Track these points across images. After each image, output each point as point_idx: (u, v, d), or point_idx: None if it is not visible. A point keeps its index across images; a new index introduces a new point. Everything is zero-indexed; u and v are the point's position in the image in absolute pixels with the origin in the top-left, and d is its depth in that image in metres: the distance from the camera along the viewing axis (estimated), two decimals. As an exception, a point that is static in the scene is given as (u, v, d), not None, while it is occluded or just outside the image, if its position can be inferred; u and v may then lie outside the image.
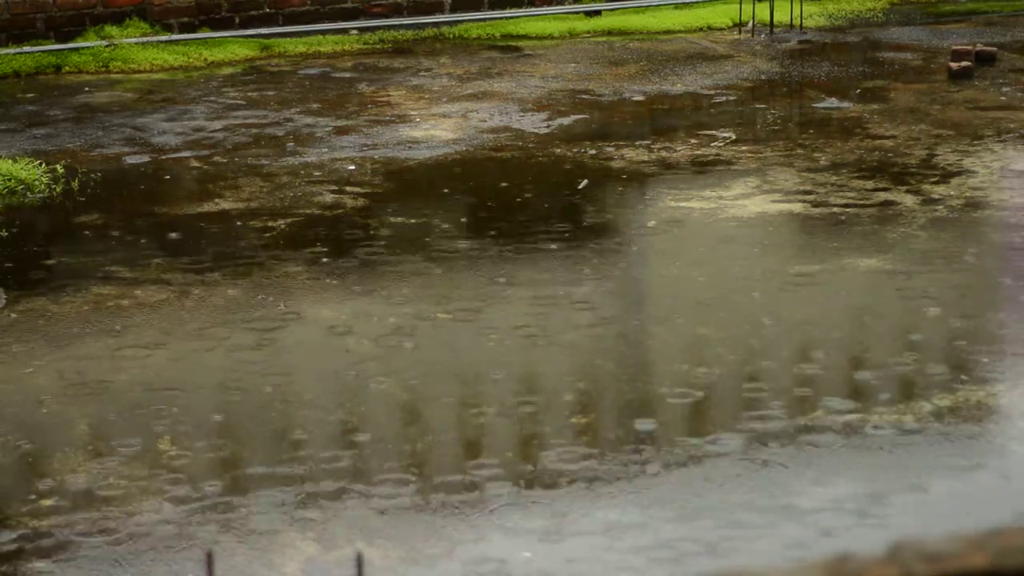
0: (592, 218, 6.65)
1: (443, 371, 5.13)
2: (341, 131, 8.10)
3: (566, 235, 6.40)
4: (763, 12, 10.43)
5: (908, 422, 4.67)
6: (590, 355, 5.22)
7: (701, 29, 10.50)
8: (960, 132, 7.80)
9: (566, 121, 8.21)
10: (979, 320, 5.44)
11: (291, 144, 7.87)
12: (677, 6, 10.98)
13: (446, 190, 7.14)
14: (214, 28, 10.30)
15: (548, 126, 8.11)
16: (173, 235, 6.58)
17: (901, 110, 8.27)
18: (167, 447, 4.64)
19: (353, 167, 7.45)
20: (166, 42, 10.00)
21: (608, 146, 7.69)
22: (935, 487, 4.30)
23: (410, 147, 7.77)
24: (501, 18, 10.64)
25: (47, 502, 4.34)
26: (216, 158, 7.67)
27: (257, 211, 6.81)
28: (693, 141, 7.75)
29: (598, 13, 10.78)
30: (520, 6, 10.82)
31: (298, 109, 8.57)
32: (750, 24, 10.39)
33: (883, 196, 6.81)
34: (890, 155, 7.43)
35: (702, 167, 7.31)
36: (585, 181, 7.14)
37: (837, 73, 9.17)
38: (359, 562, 2.24)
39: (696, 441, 4.58)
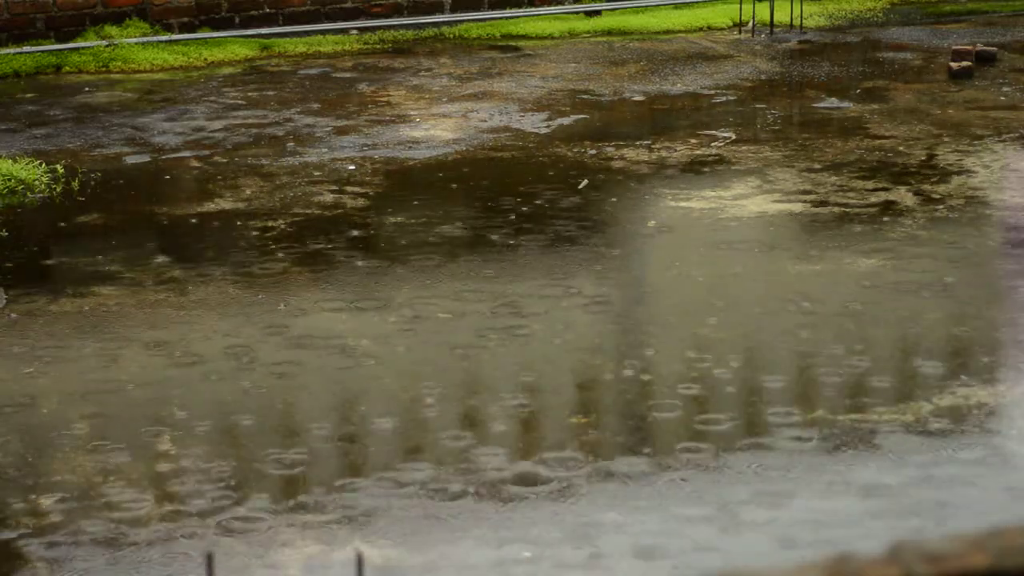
0: (592, 218, 6.65)
1: (443, 370, 5.13)
2: (341, 131, 8.09)
3: (566, 235, 6.40)
4: (763, 12, 10.43)
5: (908, 421, 4.67)
6: (590, 355, 5.22)
7: (701, 29, 10.49)
8: (960, 132, 7.80)
9: (566, 121, 8.21)
10: (979, 320, 5.44)
11: (291, 144, 7.87)
12: (677, 6, 10.98)
13: (446, 190, 7.14)
14: (214, 28, 10.30)
15: (548, 126, 8.11)
16: (173, 235, 6.58)
17: (901, 110, 8.27)
18: (167, 446, 4.64)
19: (353, 167, 7.45)
20: (166, 42, 10.00)
21: (608, 146, 7.69)
22: (935, 486, 4.30)
23: (410, 147, 7.77)
24: (501, 18, 10.64)
25: (47, 502, 4.34)
26: (216, 158, 7.67)
27: (257, 211, 6.81)
28: (693, 141, 7.75)
29: (598, 13, 10.78)
30: (520, 6, 10.82)
31: (298, 109, 8.57)
32: (750, 24, 10.38)
33: (883, 196, 6.81)
34: (890, 155, 7.43)
35: (702, 167, 7.31)
36: (585, 181, 7.14)
37: (837, 73, 9.17)
38: (359, 562, 2.24)
39: (696, 441, 4.58)
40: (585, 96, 8.74)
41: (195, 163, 7.60)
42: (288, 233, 6.51)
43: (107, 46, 9.82)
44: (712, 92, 8.76)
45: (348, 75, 9.39)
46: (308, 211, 6.80)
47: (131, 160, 7.70)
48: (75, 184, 7.23)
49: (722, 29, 10.46)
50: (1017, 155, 7.42)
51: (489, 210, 6.81)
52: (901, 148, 7.54)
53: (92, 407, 4.92)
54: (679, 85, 8.95)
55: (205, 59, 9.84)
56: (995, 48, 9.45)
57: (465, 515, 4.22)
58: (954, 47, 9.30)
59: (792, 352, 5.20)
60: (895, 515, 4.16)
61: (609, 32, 10.47)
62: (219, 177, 7.35)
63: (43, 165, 7.41)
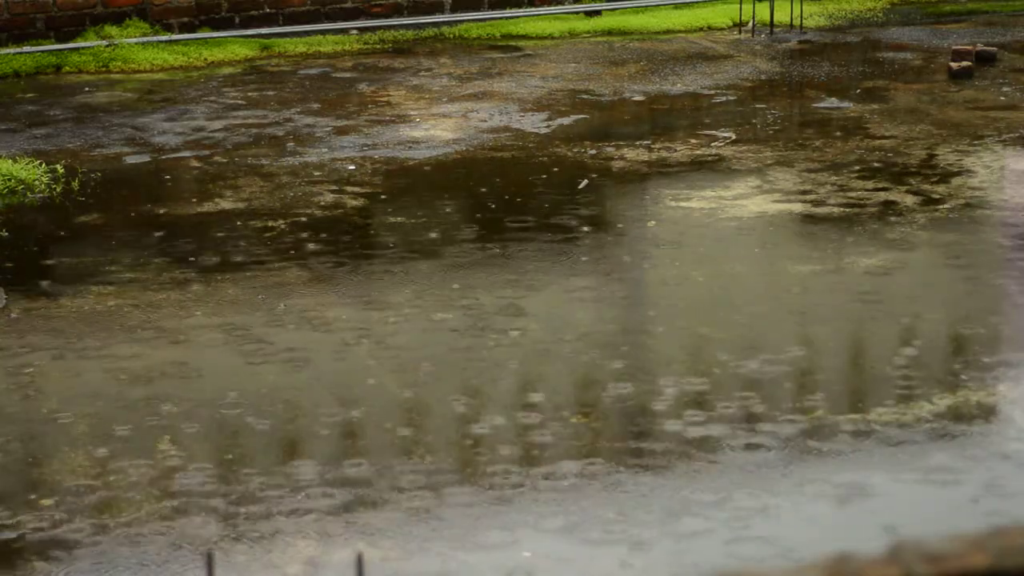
0: (592, 218, 6.65)
1: (444, 371, 5.13)
2: (341, 131, 8.10)
3: (566, 235, 6.40)
4: (763, 12, 10.44)
5: (908, 422, 4.67)
6: (590, 355, 5.22)
7: (701, 29, 10.50)
8: (960, 132, 7.80)
9: (566, 121, 8.21)
10: (979, 320, 5.44)
11: (291, 144, 7.87)
12: (677, 6, 10.98)
13: (446, 190, 7.14)
14: (214, 28, 10.30)
15: (548, 126, 8.11)
16: (173, 235, 6.58)
17: (901, 110, 8.27)
18: (167, 447, 4.64)
19: (353, 167, 7.45)
20: (166, 42, 10.00)
21: (608, 146, 7.69)
22: (935, 487, 4.30)
23: (410, 147, 7.77)
24: (501, 18, 10.64)
25: (47, 502, 4.34)
26: (216, 158, 7.67)
27: (257, 211, 6.81)
28: (693, 141, 7.75)
29: (598, 13, 10.78)
30: (520, 6, 10.82)
31: (298, 109, 8.57)
32: (750, 24, 10.39)
33: (883, 196, 6.81)
34: (890, 155, 7.43)
35: (702, 167, 7.31)
36: (585, 181, 7.14)
37: (837, 73, 9.17)
38: (359, 562, 2.24)
39: (696, 441, 4.58)
40: (585, 96, 8.74)
41: (195, 163, 7.60)
42: (288, 233, 6.51)
43: (107, 46, 9.82)
44: (712, 92, 8.76)
45: (348, 75, 9.39)
46: (308, 211, 6.80)
47: (131, 160, 7.70)
48: (75, 184, 7.23)
49: (722, 29, 10.46)
50: (1017, 155, 7.42)
51: (489, 210, 6.81)
52: (901, 148, 7.54)
53: (92, 407, 4.92)
54: (679, 85, 8.95)
55: (205, 59, 9.84)
56: (995, 48, 9.45)
57: (466, 513, 4.22)
58: (954, 47, 9.30)
59: (791, 352, 5.20)
60: (895, 515, 4.16)
61: (609, 32, 10.47)
62: (219, 177, 7.35)
63: (43, 165, 7.42)
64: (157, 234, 6.61)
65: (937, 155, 7.42)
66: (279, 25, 10.41)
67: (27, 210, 6.96)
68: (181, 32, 10.20)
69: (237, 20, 10.35)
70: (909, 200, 6.74)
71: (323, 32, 10.37)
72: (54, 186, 7.21)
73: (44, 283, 6.06)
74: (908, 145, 7.59)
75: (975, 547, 1.98)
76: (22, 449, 4.67)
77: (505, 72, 9.36)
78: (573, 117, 8.29)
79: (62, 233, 6.68)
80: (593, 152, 7.60)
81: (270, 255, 6.26)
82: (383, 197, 7.03)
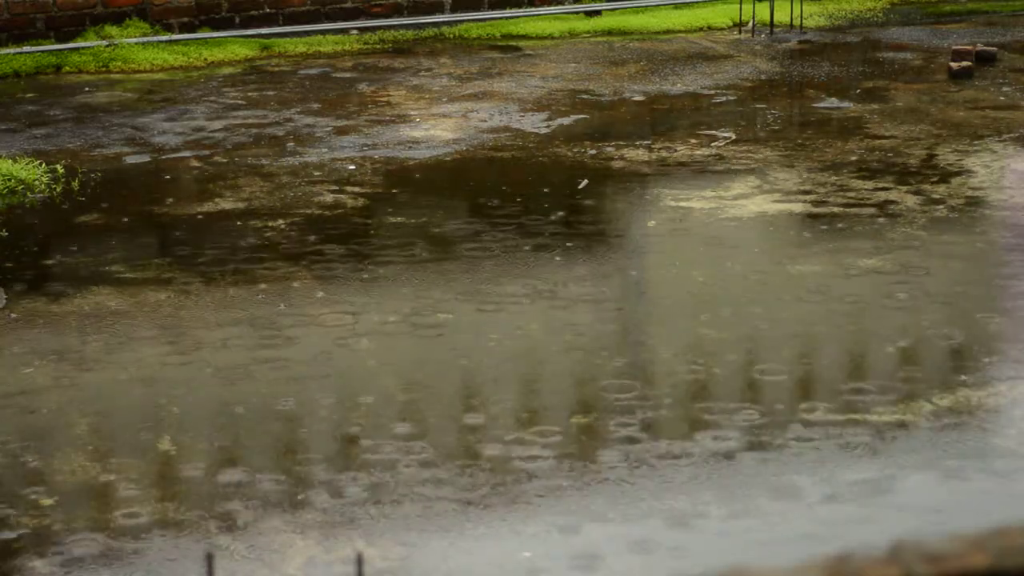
0: (592, 218, 6.65)
1: (443, 371, 5.13)
2: (341, 131, 8.10)
3: (566, 235, 6.40)
4: (763, 12, 10.43)
5: (908, 422, 4.67)
6: (590, 355, 5.22)
7: (701, 29, 10.49)
8: (960, 132, 7.80)
9: (566, 121, 8.21)
10: (979, 320, 5.44)
11: (291, 144, 7.87)
12: (677, 6, 10.98)
13: (446, 190, 7.14)
14: (214, 28, 10.30)
15: (548, 126, 8.11)
16: (173, 235, 6.58)
17: (901, 110, 8.27)
18: (167, 447, 4.64)
19: (353, 167, 7.45)
20: (166, 42, 10.00)
21: (608, 146, 7.69)
22: (935, 487, 4.30)
23: (410, 147, 7.77)
24: (501, 18, 10.64)
25: (47, 502, 4.34)
26: (216, 158, 7.67)
27: (257, 211, 6.81)
28: (693, 141, 7.75)
29: (598, 13, 10.78)
30: (520, 6, 10.82)
31: (298, 109, 8.57)
32: (750, 24, 10.39)
33: (883, 196, 6.81)
34: (890, 155, 7.43)
35: (702, 167, 7.31)
36: (585, 181, 7.14)
37: (837, 73, 9.17)
38: (359, 562, 2.24)
39: (695, 439, 4.58)
40: (585, 96, 8.74)
41: (195, 163, 7.60)
42: (288, 233, 6.52)
43: (107, 46, 9.81)
44: (712, 92, 8.76)
45: (348, 75, 9.39)
46: (308, 211, 6.80)
47: (131, 160, 7.70)
48: (75, 184, 7.23)
49: (722, 29, 10.46)
50: (1017, 155, 7.42)
51: (489, 210, 6.81)
52: (901, 148, 7.54)
53: (92, 407, 4.92)
54: (679, 85, 8.95)
55: (205, 59, 9.84)
56: (995, 48, 9.45)
57: (468, 513, 4.23)
58: (954, 47, 9.30)
59: (791, 352, 5.20)
60: (895, 515, 4.16)
61: (609, 32, 10.46)
62: (219, 177, 7.35)
63: (43, 165, 7.41)
64: (157, 234, 6.61)
65: (937, 155, 7.42)
66: (279, 25, 10.41)
67: (27, 210, 6.96)
68: (181, 32, 10.20)
69: (237, 20, 10.35)
70: (909, 200, 6.74)
71: (323, 32, 10.37)
72: (54, 186, 7.21)
73: (44, 283, 6.06)
74: (908, 145, 7.59)
75: (975, 547, 1.98)
76: (22, 449, 4.67)
77: (505, 72, 9.35)
78: (573, 117, 8.29)
79: (62, 233, 6.68)
80: (593, 152, 7.60)
81: (270, 255, 6.26)
82: (383, 197, 7.03)
